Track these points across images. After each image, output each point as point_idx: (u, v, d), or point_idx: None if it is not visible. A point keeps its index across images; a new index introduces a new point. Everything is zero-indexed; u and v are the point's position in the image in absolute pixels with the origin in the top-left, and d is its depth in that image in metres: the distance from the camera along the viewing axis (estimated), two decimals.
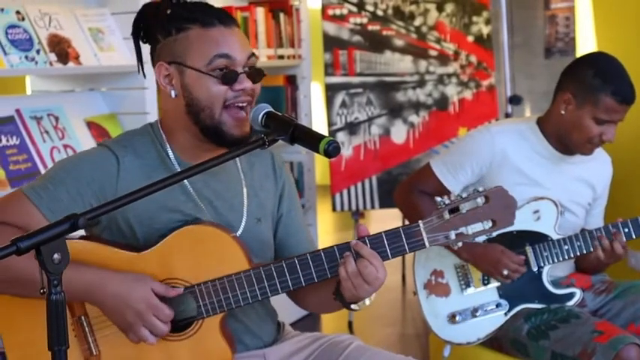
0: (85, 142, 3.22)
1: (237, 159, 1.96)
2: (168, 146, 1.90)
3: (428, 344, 3.12)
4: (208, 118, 1.82)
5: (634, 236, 2.58)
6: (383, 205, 4.65)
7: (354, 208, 4.65)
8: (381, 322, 4.52)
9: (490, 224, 1.76)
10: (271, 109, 1.76)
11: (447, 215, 1.76)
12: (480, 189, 1.76)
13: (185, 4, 1.86)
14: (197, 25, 1.82)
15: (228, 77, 1.81)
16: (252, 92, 1.85)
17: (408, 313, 4.72)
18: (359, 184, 4.62)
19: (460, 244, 1.77)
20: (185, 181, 1.86)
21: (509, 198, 1.77)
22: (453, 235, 1.76)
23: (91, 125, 3.32)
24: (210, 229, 1.85)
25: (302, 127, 1.69)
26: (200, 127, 1.84)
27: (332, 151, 1.62)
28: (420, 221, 1.77)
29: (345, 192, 4.61)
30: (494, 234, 1.77)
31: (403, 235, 1.77)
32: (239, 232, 1.92)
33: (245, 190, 1.96)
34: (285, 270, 1.80)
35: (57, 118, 3.19)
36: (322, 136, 1.65)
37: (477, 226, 1.76)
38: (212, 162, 1.61)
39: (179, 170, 1.86)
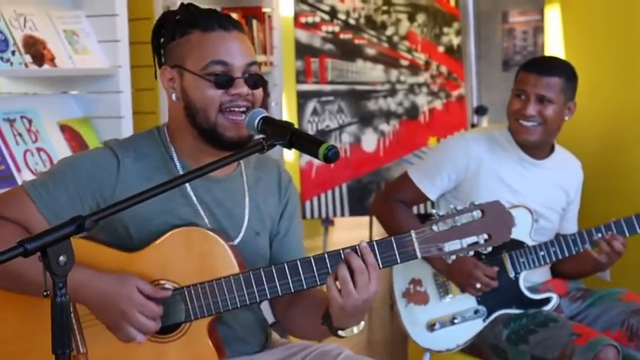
0: (59, 145, 3.17)
1: (244, 171, 1.98)
2: (172, 149, 1.91)
3: (404, 351, 3.13)
4: (204, 121, 1.83)
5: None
6: (353, 213, 4.67)
7: (324, 215, 4.67)
8: None
9: (485, 238, 1.74)
10: (267, 114, 1.76)
11: (441, 227, 1.74)
12: (477, 202, 1.75)
13: (192, 11, 1.88)
14: (198, 29, 1.84)
15: (222, 81, 1.81)
16: (251, 98, 1.84)
17: (376, 320, 4.74)
18: (329, 192, 4.64)
19: (454, 257, 1.74)
20: (187, 185, 1.87)
21: (507, 213, 1.76)
22: (446, 247, 1.73)
23: (65, 129, 3.27)
24: (205, 233, 1.85)
25: (300, 132, 1.69)
26: (198, 130, 1.85)
27: (332, 156, 1.62)
28: (412, 231, 1.74)
29: (315, 199, 4.62)
30: (489, 249, 1.76)
31: (395, 245, 1.74)
32: (236, 242, 1.91)
33: (248, 201, 1.96)
34: (275, 275, 1.79)
35: (30, 121, 3.14)
36: (321, 142, 1.65)
37: (472, 240, 1.74)
38: (212, 165, 1.60)
39: (181, 172, 1.87)
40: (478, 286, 2.60)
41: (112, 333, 1.79)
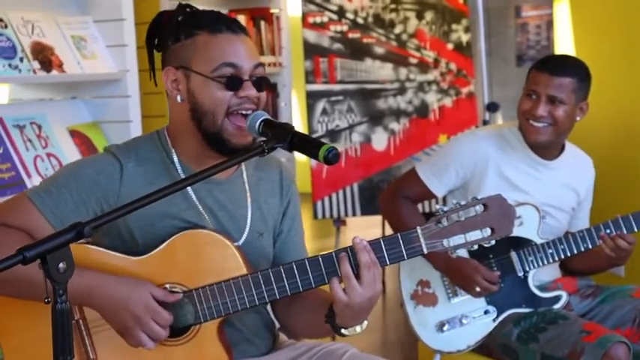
0: (68, 150, 3.19)
1: (245, 172, 1.98)
2: (173, 152, 1.90)
3: (416, 351, 3.12)
4: (210, 125, 1.82)
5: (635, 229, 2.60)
6: (364, 212, 4.66)
7: (335, 215, 4.65)
8: None
9: (489, 232, 1.76)
10: (268, 117, 1.77)
11: (445, 222, 1.76)
12: (479, 197, 1.76)
13: (196, 12, 1.89)
14: (205, 30, 1.83)
15: (232, 83, 1.81)
16: (257, 100, 1.84)
17: (390, 320, 4.73)
18: (340, 192, 4.63)
19: (458, 251, 1.77)
20: (188, 188, 1.87)
21: (508, 207, 1.78)
22: (450, 242, 1.76)
23: (74, 134, 3.29)
24: (211, 235, 1.85)
25: (300, 134, 1.69)
26: (203, 133, 1.84)
27: (332, 158, 1.62)
28: (417, 227, 1.76)
29: (326, 199, 4.61)
30: (492, 242, 1.76)
31: (401, 241, 1.76)
32: (239, 243, 1.92)
33: (250, 203, 1.96)
34: (283, 274, 1.79)
35: (40, 127, 3.15)
36: (322, 144, 1.65)
37: (476, 234, 1.75)
38: (213, 169, 1.60)
39: (183, 176, 1.87)
40: (477, 289, 2.59)
41: (121, 337, 1.79)
